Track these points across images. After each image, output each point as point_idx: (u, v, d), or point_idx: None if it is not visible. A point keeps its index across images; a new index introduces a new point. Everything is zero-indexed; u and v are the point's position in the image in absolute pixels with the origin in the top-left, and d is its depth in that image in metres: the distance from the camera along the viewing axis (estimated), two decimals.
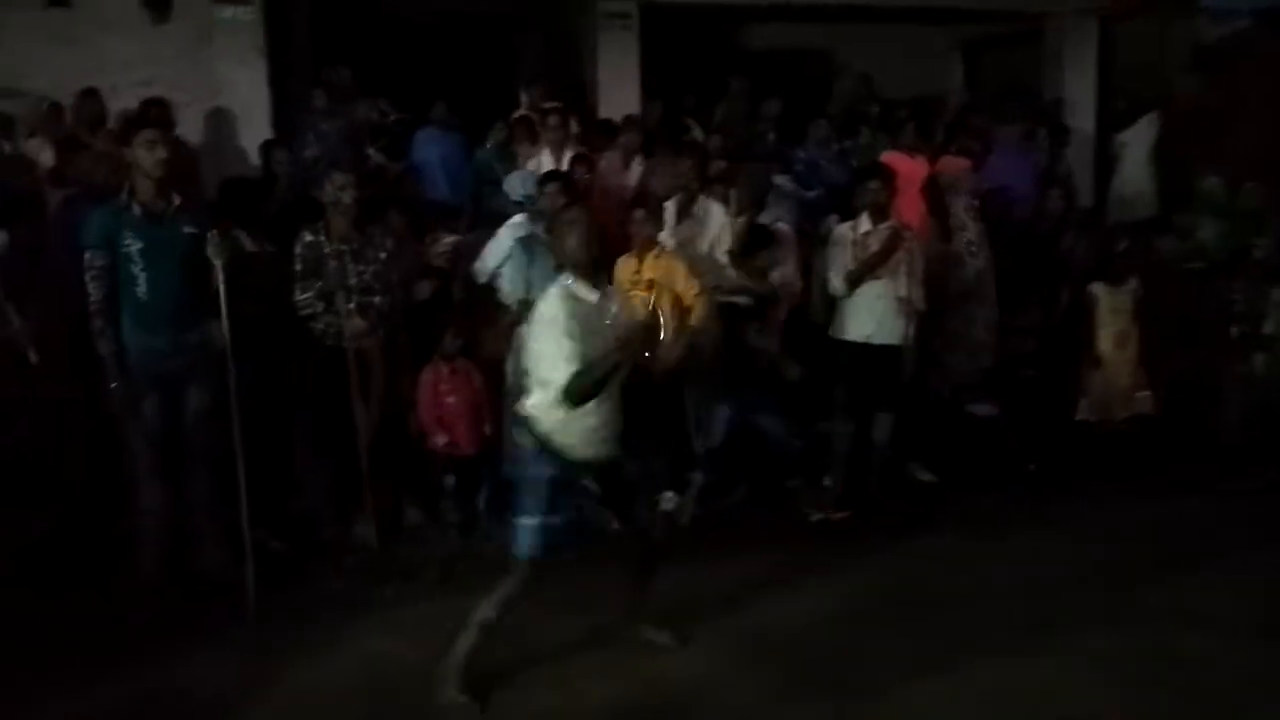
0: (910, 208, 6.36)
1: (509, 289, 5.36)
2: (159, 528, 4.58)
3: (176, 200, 4.46)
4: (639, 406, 3.85)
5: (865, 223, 5.50)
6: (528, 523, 3.66)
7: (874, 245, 5.41)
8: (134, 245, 4.33)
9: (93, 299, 4.35)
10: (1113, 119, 9.00)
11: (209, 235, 4.35)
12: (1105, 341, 6.27)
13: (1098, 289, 6.27)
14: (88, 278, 4.34)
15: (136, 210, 4.36)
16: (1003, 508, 5.59)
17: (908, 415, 5.82)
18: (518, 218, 5.52)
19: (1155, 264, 6.59)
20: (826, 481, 5.60)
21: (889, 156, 6.72)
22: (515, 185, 6.08)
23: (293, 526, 5.12)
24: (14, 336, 4.09)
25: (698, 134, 7.78)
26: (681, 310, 5.34)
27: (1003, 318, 6.16)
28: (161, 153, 4.34)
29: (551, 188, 5.37)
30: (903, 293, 5.41)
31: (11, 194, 5.54)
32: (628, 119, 7.41)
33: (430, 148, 7.55)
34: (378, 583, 4.70)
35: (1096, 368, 6.24)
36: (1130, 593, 4.56)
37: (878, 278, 5.40)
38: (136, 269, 4.34)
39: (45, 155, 6.55)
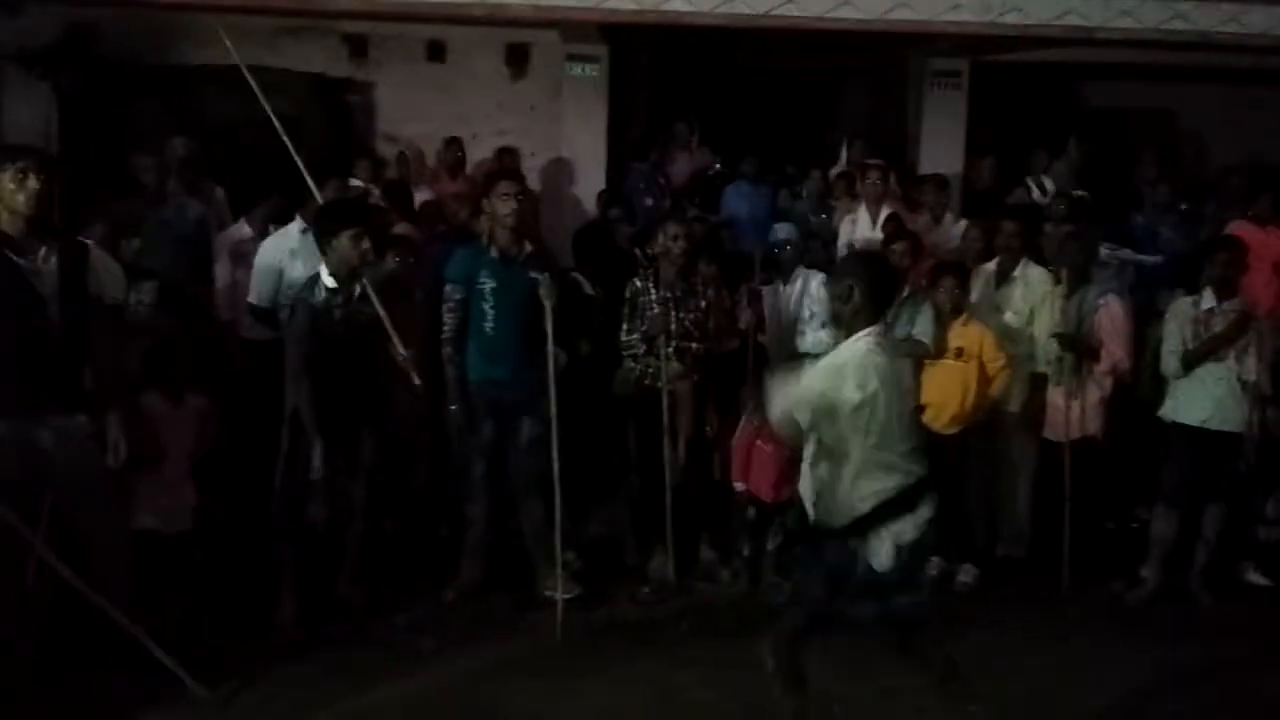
0: (1260, 284, 5.88)
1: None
2: (483, 539, 5.00)
3: (528, 247, 4.91)
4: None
5: (1209, 299, 5.14)
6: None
7: (1217, 324, 5.05)
8: (488, 284, 4.79)
9: (447, 328, 4.83)
10: None
11: (541, 278, 4.73)
12: None
13: None
14: (445, 309, 4.83)
15: (493, 253, 4.84)
16: None
17: (1242, 509, 5.38)
18: None
19: None
20: (1144, 573, 5.25)
21: (1238, 228, 6.25)
22: (781, 231, 6.19)
23: (595, 550, 5.44)
24: (402, 364, 4.53)
25: (1037, 195, 7.58)
26: (985, 380, 5.24)
27: None
28: (514, 203, 4.78)
29: (899, 245, 5.48)
30: (1249, 376, 5.00)
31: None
32: (934, 178, 7.34)
33: (740, 202, 7.77)
34: (673, 616, 4.91)
35: None
36: None
37: (1219, 359, 5.03)
38: (487, 306, 4.79)
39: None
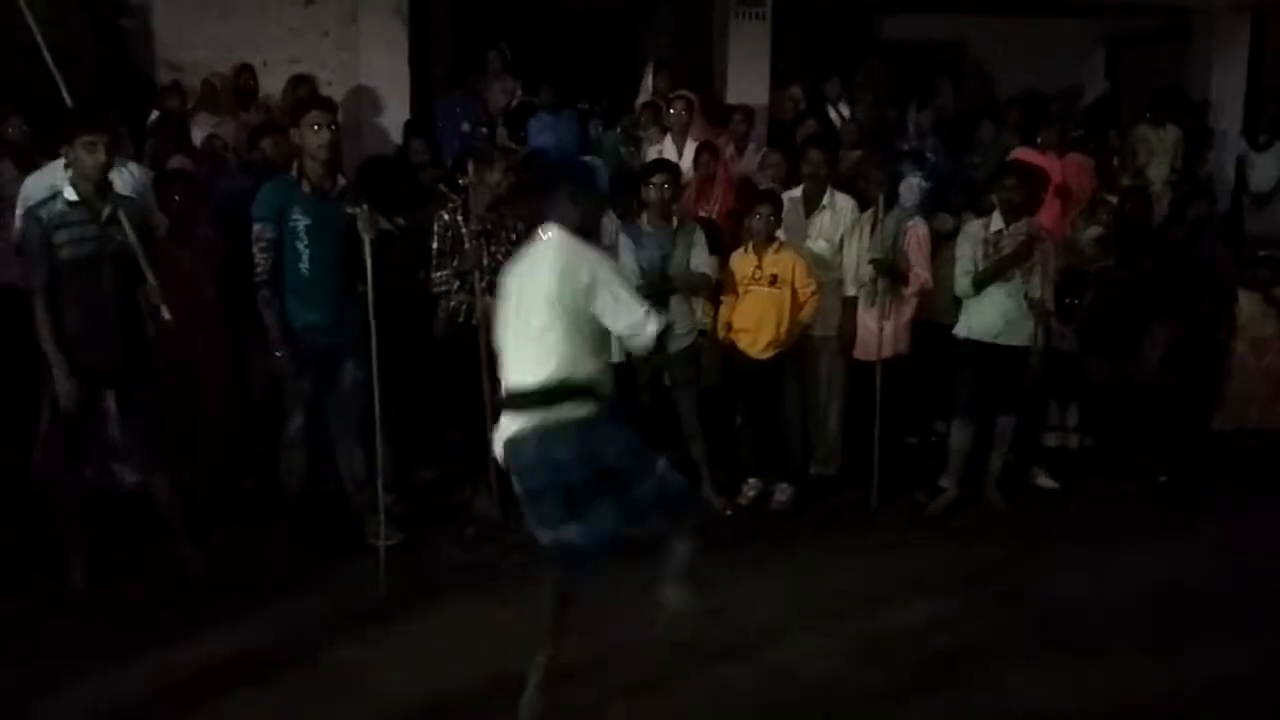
0: (1044, 207, 6.24)
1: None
2: (300, 491, 4.79)
3: (341, 181, 4.65)
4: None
5: (997, 221, 5.41)
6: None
7: (1006, 246, 5.33)
8: (301, 221, 4.50)
9: (259, 269, 4.52)
10: (1257, 132, 8.52)
11: (359, 210, 4.48)
12: (1243, 349, 6.08)
13: (1241, 295, 6.08)
14: (256, 249, 4.51)
15: (305, 188, 4.54)
16: (1127, 518, 5.47)
17: (1031, 418, 5.75)
18: None
19: None
20: (943, 483, 5.56)
21: (1022, 153, 6.59)
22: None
23: (418, 494, 5.34)
24: (151, 296, 4.21)
25: (835, 120, 7.76)
26: (796, 305, 5.37)
27: (1143, 324, 5.99)
28: (327, 134, 4.49)
29: (659, 178, 5.41)
30: (1035, 294, 5.31)
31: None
32: (742, 108, 7.42)
33: (544, 134, 7.57)
34: (499, 554, 4.86)
35: (1233, 377, 6.06)
36: (1259, 610, 4.42)
37: (1008, 278, 5.32)
38: (301, 245, 4.51)
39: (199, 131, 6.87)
